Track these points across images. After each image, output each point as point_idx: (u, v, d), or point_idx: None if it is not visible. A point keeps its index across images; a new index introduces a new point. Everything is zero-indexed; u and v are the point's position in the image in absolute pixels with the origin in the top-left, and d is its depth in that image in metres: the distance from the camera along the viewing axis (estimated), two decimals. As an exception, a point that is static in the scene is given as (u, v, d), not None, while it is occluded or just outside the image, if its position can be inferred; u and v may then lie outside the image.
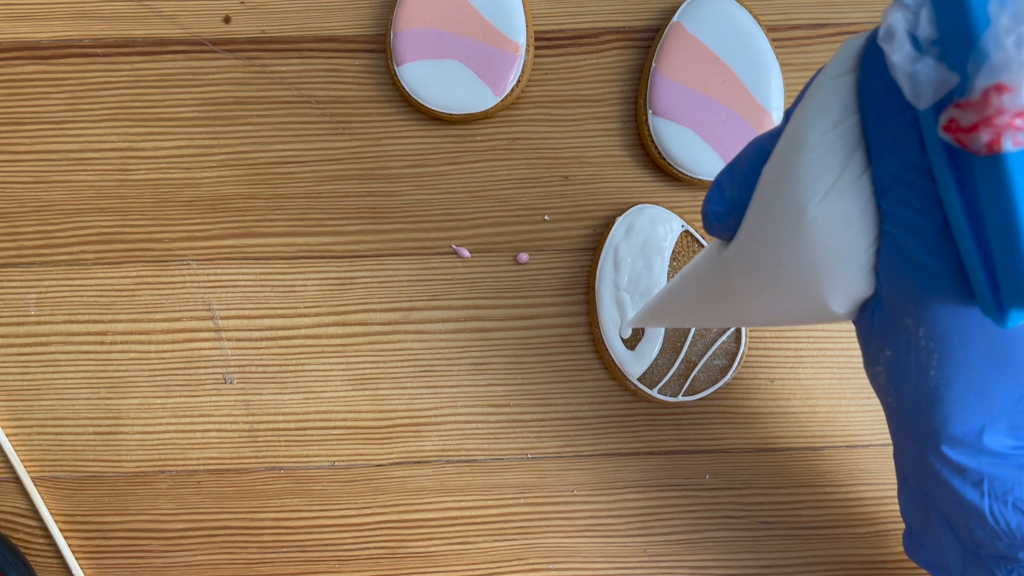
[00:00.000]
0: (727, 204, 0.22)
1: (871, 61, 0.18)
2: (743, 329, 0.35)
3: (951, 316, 0.19)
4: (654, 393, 0.35)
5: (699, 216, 0.37)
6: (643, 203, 0.36)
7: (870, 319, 0.21)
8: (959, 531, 0.22)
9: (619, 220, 0.36)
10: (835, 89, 0.19)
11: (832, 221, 0.19)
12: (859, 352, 0.37)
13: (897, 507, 0.36)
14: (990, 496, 0.21)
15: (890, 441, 0.37)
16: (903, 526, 0.36)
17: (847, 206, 0.19)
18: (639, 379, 0.35)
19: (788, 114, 0.21)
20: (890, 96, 0.18)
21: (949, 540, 0.23)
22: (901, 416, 0.21)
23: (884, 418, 0.37)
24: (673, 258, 0.35)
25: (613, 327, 0.35)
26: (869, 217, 0.19)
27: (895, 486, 0.36)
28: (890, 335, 0.20)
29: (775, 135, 0.21)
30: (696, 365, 0.35)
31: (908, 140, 0.18)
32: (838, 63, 0.19)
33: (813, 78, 0.20)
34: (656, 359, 0.35)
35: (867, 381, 0.37)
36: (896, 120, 0.18)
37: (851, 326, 0.37)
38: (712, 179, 0.36)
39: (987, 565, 0.22)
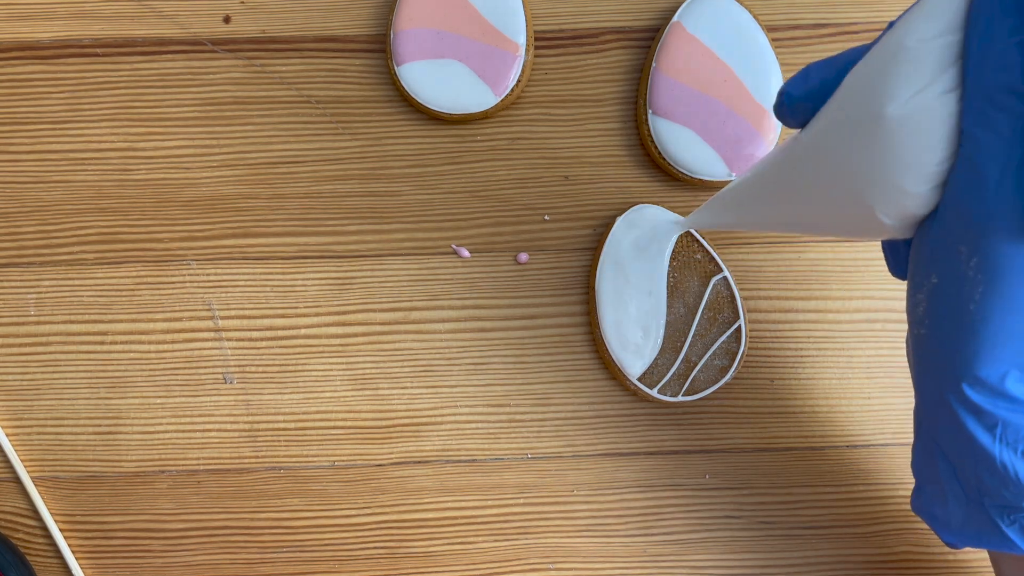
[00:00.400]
0: (807, 90, 0.22)
1: None
2: (743, 329, 0.35)
3: (1008, 252, 0.19)
4: (654, 393, 0.35)
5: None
6: (643, 203, 0.36)
7: (923, 240, 0.21)
8: (965, 478, 0.22)
9: (619, 220, 0.36)
10: (947, 1, 0.19)
11: (910, 126, 0.19)
12: (859, 352, 0.37)
13: (897, 507, 0.36)
14: (1002, 442, 0.21)
15: (890, 441, 0.37)
16: (903, 526, 0.36)
17: (928, 116, 0.19)
18: (639, 379, 0.35)
19: (891, 23, 0.21)
20: (1005, 16, 0.18)
21: (953, 489, 0.23)
22: (929, 349, 0.21)
23: (884, 418, 0.37)
24: (673, 258, 0.35)
25: (613, 327, 0.35)
26: (947, 134, 0.19)
27: (895, 486, 0.36)
28: (940, 260, 0.20)
29: (874, 43, 0.21)
30: (696, 365, 0.35)
31: (1013, 63, 0.18)
32: None
33: None
34: (656, 359, 0.35)
35: (867, 381, 0.37)
36: (1004, 41, 0.18)
37: (851, 324, 0.37)
38: (711, 178, 0.36)
39: (990, 514, 0.22)
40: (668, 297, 0.35)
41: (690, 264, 0.35)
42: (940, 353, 0.21)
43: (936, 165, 0.19)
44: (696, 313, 0.35)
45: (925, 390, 0.22)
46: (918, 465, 0.24)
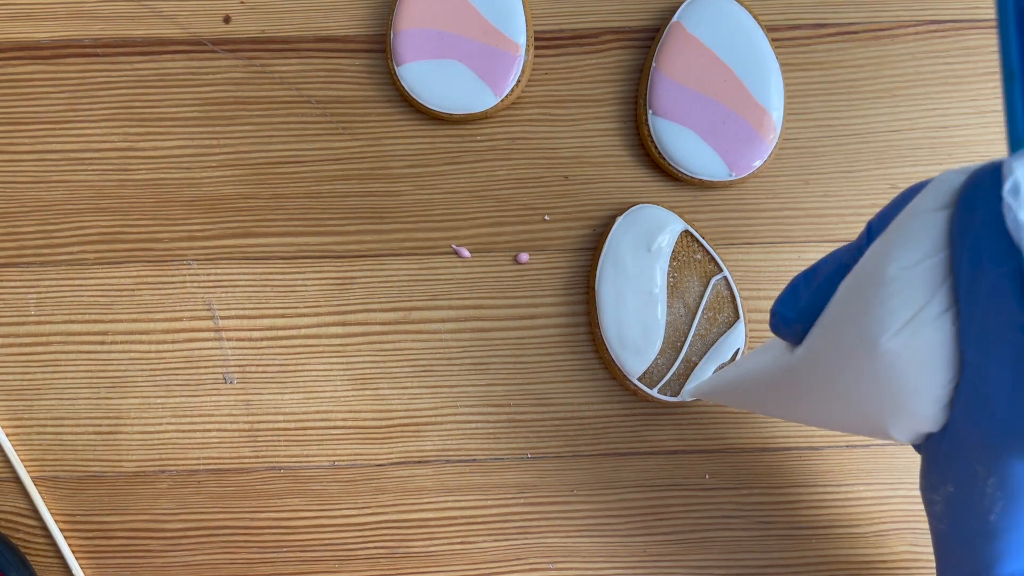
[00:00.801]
0: (798, 312, 0.22)
1: (971, 202, 0.17)
2: (743, 329, 0.35)
3: None
4: (654, 393, 0.35)
5: (699, 216, 0.37)
6: (643, 203, 0.36)
7: (936, 451, 0.20)
8: None
9: (619, 220, 0.36)
10: (926, 223, 0.18)
11: (907, 355, 0.18)
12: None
13: (897, 507, 0.36)
14: None
15: (890, 442, 0.37)
16: (903, 526, 0.37)
17: (925, 342, 0.18)
18: (639, 379, 0.35)
19: (871, 227, 0.20)
20: (990, 241, 0.17)
21: None
22: (952, 543, 0.21)
23: (884, 418, 0.37)
24: (673, 258, 0.35)
25: (613, 327, 0.35)
26: (948, 356, 0.18)
27: (895, 486, 0.36)
28: (955, 473, 0.20)
29: (857, 250, 0.20)
30: (696, 365, 0.35)
31: (1005, 290, 0.17)
32: (933, 197, 0.18)
33: (898, 202, 0.19)
34: (656, 359, 0.35)
35: (867, 381, 0.37)
36: (994, 268, 0.17)
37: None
38: (711, 178, 0.36)
39: None
40: (668, 297, 0.35)
41: (690, 264, 0.35)
42: (965, 550, 0.21)
43: (941, 387, 0.19)
44: (696, 313, 0.35)
45: (950, 569, 0.22)
46: None
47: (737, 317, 0.35)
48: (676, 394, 0.35)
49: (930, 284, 0.18)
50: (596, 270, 0.36)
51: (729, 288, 0.35)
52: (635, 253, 0.35)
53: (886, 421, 0.20)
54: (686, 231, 0.36)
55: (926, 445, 0.21)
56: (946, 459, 0.20)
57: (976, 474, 0.19)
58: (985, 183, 0.17)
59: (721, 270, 0.35)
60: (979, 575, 0.20)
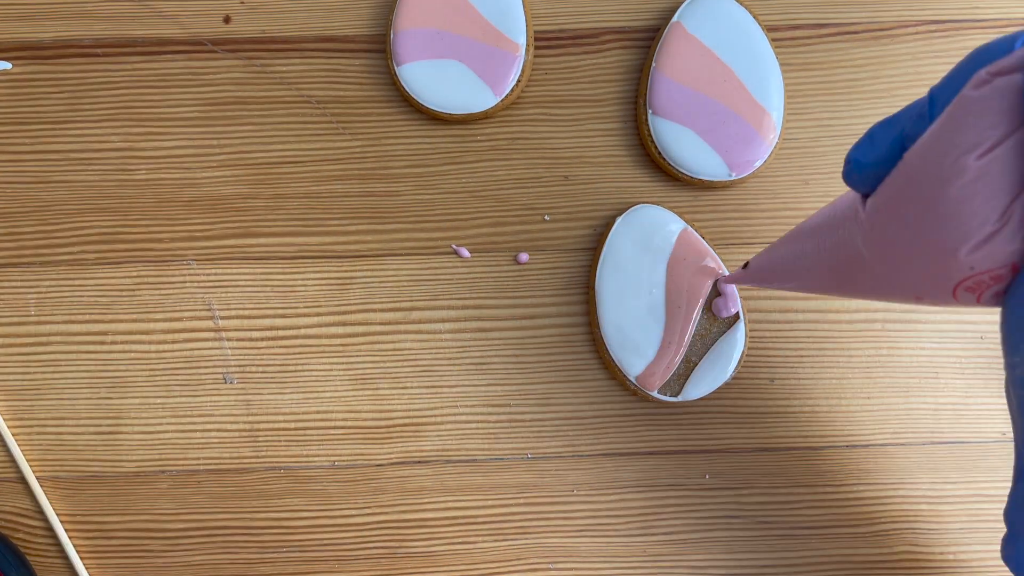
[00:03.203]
0: (876, 158, 0.21)
1: None
2: (743, 329, 0.35)
3: None
4: (654, 393, 0.35)
5: (699, 216, 0.37)
6: (643, 203, 0.36)
7: (1018, 302, 0.20)
8: None
9: (619, 220, 0.36)
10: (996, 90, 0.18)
11: (993, 176, 0.18)
12: (859, 352, 0.37)
13: (897, 507, 0.36)
14: None
15: (890, 441, 0.37)
16: (903, 526, 0.36)
17: (1011, 164, 0.18)
18: (638, 379, 0.35)
19: (932, 96, 0.20)
20: None
21: None
22: None
23: (884, 418, 0.37)
24: (673, 258, 0.35)
25: (613, 327, 0.35)
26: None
27: (895, 486, 0.36)
28: None
29: (919, 118, 0.20)
30: (696, 365, 0.35)
31: None
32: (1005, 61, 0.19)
33: (964, 66, 0.20)
34: (655, 359, 0.35)
35: (867, 381, 0.37)
36: None
37: (851, 324, 0.37)
38: (711, 178, 0.36)
39: None
40: (668, 297, 0.35)
41: (690, 264, 0.35)
42: None
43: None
44: (696, 312, 0.35)
45: None
46: (1014, 513, 0.23)
47: (737, 317, 0.35)
48: (676, 394, 0.35)
49: (1014, 105, 0.18)
50: (596, 270, 0.36)
51: (729, 288, 0.35)
52: (635, 253, 0.35)
53: (959, 249, 0.20)
54: (685, 230, 0.36)
55: (1005, 301, 0.20)
56: None
57: None
58: None
59: (721, 269, 0.35)
60: None
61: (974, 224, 0.19)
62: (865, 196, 0.23)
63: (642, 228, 0.35)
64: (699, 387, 0.35)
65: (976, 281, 0.20)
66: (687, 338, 0.35)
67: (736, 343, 0.35)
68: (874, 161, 0.22)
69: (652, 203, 0.36)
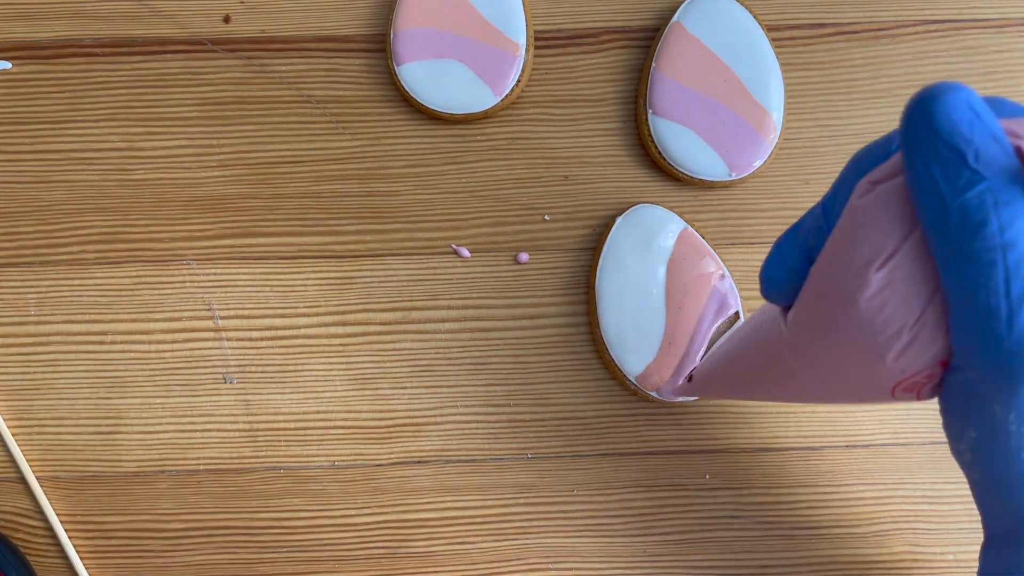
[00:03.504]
0: (786, 272, 0.22)
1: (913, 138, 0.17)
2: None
3: None
4: (654, 393, 0.35)
5: (699, 216, 0.37)
6: (643, 203, 0.36)
7: (948, 396, 0.20)
8: None
9: (619, 220, 0.36)
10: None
11: (898, 284, 0.18)
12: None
13: (897, 507, 0.36)
14: None
15: (890, 441, 0.37)
16: (903, 526, 0.36)
17: (913, 269, 0.18)
18: (639, 379, 0.35)
19: (825, 206, 0.20)
20: (943, 166, 0.17)
21: None
22: (989, 492, 0.20)
23: (884, 418, 0.37)
24: (673, 258, 0.35)
25: (613, 327, 0.35)
26: (928, 287, 0.18)
27: (895, 486, 0.36)
28: (974, 417, 0.19)
29: (817, 230, 0.21)
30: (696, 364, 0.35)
31: (983, 208, 0.17)
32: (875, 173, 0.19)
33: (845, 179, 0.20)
34: (655, 359, 0.35)
35: (867, 381, 0.37)
36: (954, 196, 0.17)
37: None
38: (711, 178, 0.36)
39: None
40: (668, 297, 0.35)
41: (690, 264, 0.35)
42: (1000, 497, 0.20)
43: (935, 310, 0.18)
44: (696, 312, 0.35)
45: (995, 518, 0.21)
46: (991, 569, 0.23)
47: (737, 317, 0.35)
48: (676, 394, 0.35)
49: (904, 214, 0.18)
50: (596, 270, 0.36)
51: (729, 287, 0.35)
52: (635, 253, 0.35)
53: (885, 356, 0.19)
54: (685, 230, 0.36)
55: (940, 394, 0.20)
56: (960, 402, 0.19)
57: (995, 414, 0.19)
58: (919, 119, 0.17)
59: (721, 269, 0.35)
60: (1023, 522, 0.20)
61: (891, 333, 0.19)
62: (786, 310, 0.22)
63: (642, 228, 0.35)
64: None
65: (911, 383, 0.20)
66: (688, 338, 0.35)
67: None
68: (784, 278, 0.22)
69: (652, 203, 0.36)
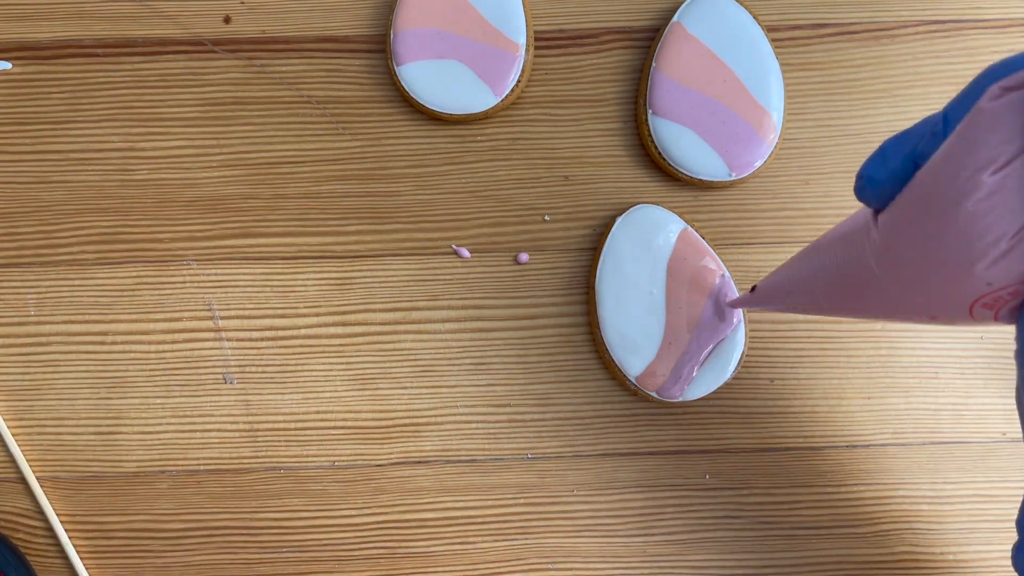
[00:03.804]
0: (889, 173, 0.21)
1: None
2: (743, 328, 0.35)
3: None
4: (654, 393, 0.35)
5: (699, 216, 0.37)
6: (643, 203, 0.36)
7: None
8: None
9: (619, 220, 0.36)
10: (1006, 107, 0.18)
11: (1008, 191, 0.18)
12: (859, 352, 0.37)
13: (897, 507, 0.36)
14: None
15: (890, 441, 0.37)
16: (903, 526, 0.36)
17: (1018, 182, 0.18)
18: (639, 379, 0.35)
19: (946, 115, 0.20)
20: None
21: None
22: None
23: (884, 418, 0.37)
24: (673, 258, 0.35)
25: (613, 328, 0.35)
26: None
27: (895, 486, 0.36)
28: None
29: (932, 135, 0.20)
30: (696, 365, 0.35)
31: None
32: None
33: (975, 85, 0.20)
34: (655, 359, 0.35)
35: (867, 381, 0.37)
36: None
37: (851, 324, 0.37)
38: (711, 178, 0.36)
39: None
40: (668, 297, 0.35)
41: (691, 264, 0.35)
42: None
43: None
44: (696, 312, 0.35)
45: None
46: None
47: (739, 323, 0.35)
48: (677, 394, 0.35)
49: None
50: (596, 270, 0.36)
51: (729, 287, 0.35)
52: (635, 253, 0.35)
53: (976, 265, 0.19)
54: (685, 230, 0.36)
55: (1019, 317, 0.20)
56: None
57: None
58: None
59: (721, 269, 0.35)
60: None
61: (990, 240, 0.19)
62: (877, 212, 0.22)
63: (642, 228, 0.35)
64: (699, 387, 0.35)
65: (994, 297, 0.20)
66: (687, 338, 0.35)
67: (736, 344, 0.35)
68: (887, 177, 0.21)
69: (652, 203, 0.36)
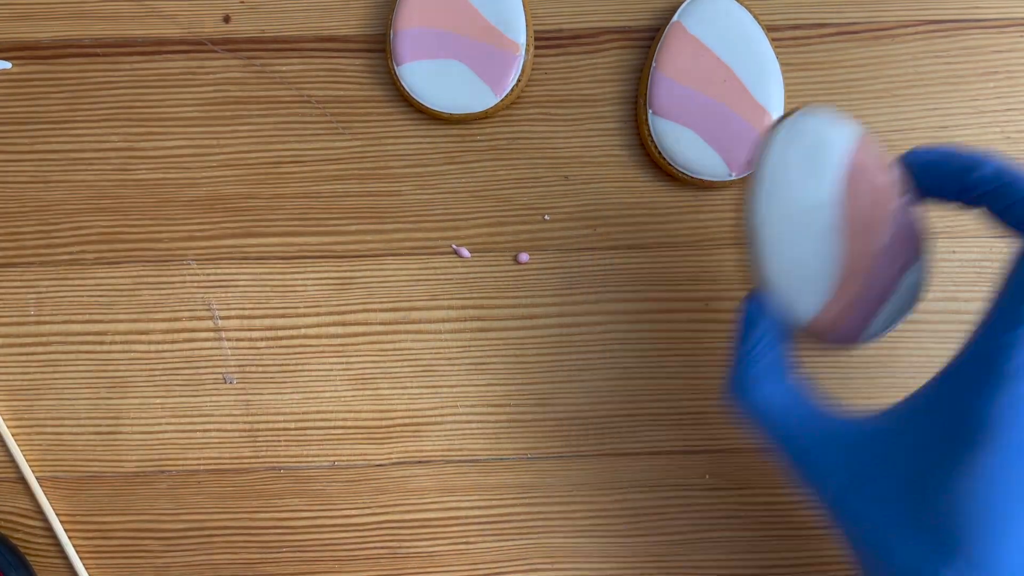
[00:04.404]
0: None
1: None
2: (919, 288, 0.30)
3: None
4: (831, 337, 0.30)
5: (699, 216, 0.37)
6: (808, 107, 0.29)
7: None
8: None
9: (780, 132, 0.28)
10: None
11: None
12: (860, 352, 0.37)
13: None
14: None
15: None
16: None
17: None
18: (812, 324, 0.29)
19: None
20: None
21: None
22: None
23: (884, 418, 0.37)
24: (853, 169, 0.28)
25: (777, 264, 0.29)
26: None
27: (895, 486, 0.36)
28: None
29: None
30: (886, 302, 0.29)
31: None
32: None
33: None
34: (833, 298, 0.29)
35: (867, 381, 0.37)
36: None
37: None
38: (711, 178, 0.36)
39: None
40: (848, 216, 0.28)
41: (872, 175, 0.28)
42: None
43: None
44: (879, 240, 0.28)
45: None
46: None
47: (924, 247, 0.29)
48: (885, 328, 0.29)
49: None
50: (755, 202, 0.28)
51: (912, 212, 0.29)
52: (802, 174, 0.28)
53: None
54: (864, 135, 0.29)
55: None
56: None
57: None
58: None
59: (904, 188, 0.29)
60: None
61: None
62: None
63: (809, 139, 0.28)
64: (884, 320, 0.29)
65: None
66: (867, 270, 0.29)
67: (918, 278, 0.29)
68: None
69: (652, 203, 0.36)
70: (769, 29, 0.37)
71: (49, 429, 0.36)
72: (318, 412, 0.36)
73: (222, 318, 0.37)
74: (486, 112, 0.36)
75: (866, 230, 0.28)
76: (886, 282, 0.29)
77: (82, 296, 0.37)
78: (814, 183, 0.28)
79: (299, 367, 0.37)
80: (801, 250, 0.28)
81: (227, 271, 0.37)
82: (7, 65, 0.37)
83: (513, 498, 0.36)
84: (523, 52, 0.36)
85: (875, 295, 0.29)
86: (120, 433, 0.36)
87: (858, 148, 0.28)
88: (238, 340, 0.37)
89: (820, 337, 0.30)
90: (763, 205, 0.29)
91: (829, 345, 0.30)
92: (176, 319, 0.37)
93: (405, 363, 0.37)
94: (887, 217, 0.28)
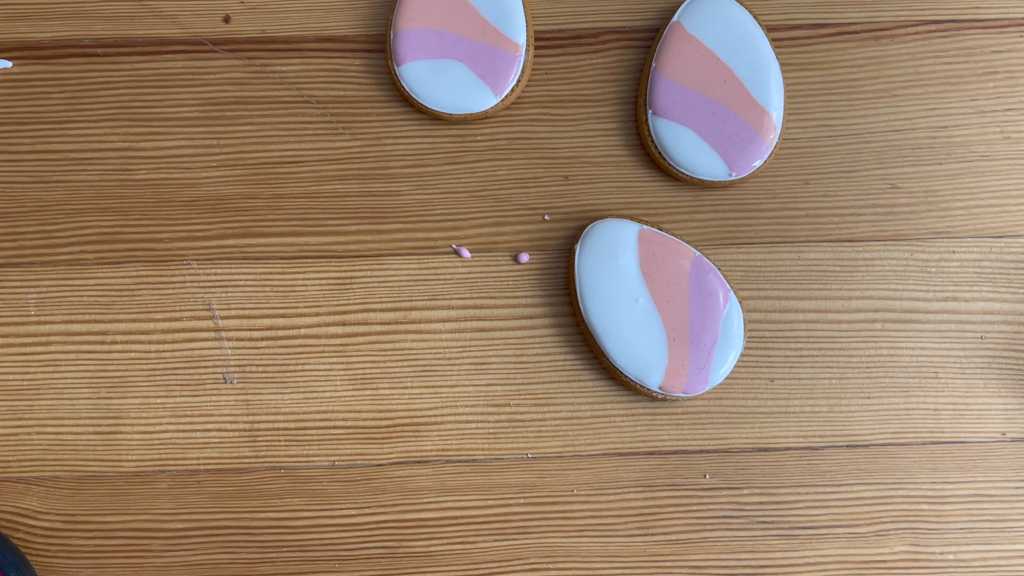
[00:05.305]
0: None
1: None
2: (736, 300, 0.35)
3: None
4: (681, 394, 0.35)
5: (699, 216, 0.37)
6: (602, 220, 0.36)
7: None
8: None
9: (577, 248, 0.35)
10: None
11: None
12: (859, 352, 0.37)
13: (897, 507, 0.36)
14: None
15: (890, 441, 0.37)
16: (903, 526, 0.36)
17: None
18: (663, 387, 0.35)
19: None
20: None
21: None
22: None
23: (884, 418, 0.37)
24: (642, 259, 0.35)
25: (618, 351, 0.35)
26: None
27: (895, 486, 0.36)
28: None
29: None
30: (712, 349, 0.35)
31: None
32: None
33: None
34: (670, 359, 0.35)
35: (867, 381, 0.37)
36: None
37: (851, 324, 0.37)
38: (711, 178, 0.36)
39: None
40: (654, 297, 0.35)
41: (661, 257, 0.35)
42: None
43: None
44: (687, 304, 0.35)
45: None
46: None
47: (728, 296, 0.35)
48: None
49: None
50: (576, 302, 0.35)
51: (709, 268, 0.35)
52: (606, 269, 0.35)
53: None
54: (643, 230, 0.35)
55: None
56: None
57: None
58: None
59: (693, 253, 0.35)
60: None
61: None
62: None
63: (601, 244, 0.35)
64: (720, 369, 0.35)
65: None
66: (688, 326, 0.35)
67: (735, 315, 0.35)
68: None
69: (652, 203, 0.36)
70: (769, 29, 0.37)
71: (49, 429, 0.36)
72: (318, 412, 0.36)
73: (222, 318, 0.37)
74: (486, 112, 0.36)
75: (674, 301, 0.35)
76: (709, 331, 0.35)
77: (82, 296, 0.37)
78: (619, 280, 0.35)
79: (299, 367, 0.37)
80: (630, 336, 0.35)
81: (227, 271, 0.37)
82: (7, 64, 0.37)
83: (512, 498, 0.36)
84: (523, 52, 0.36)
85: (704, 345, 0.34)
86: (120, 433, 0.36)
87: (641, 241, 0.35)
88: (238, 340, 0.37)
89: (678, 392, 0.35)
90: (590, 311, 0.35)
91: (686, 396, 0.35)
92: (176, 319, 0.37)
93: (405, 363, 0.37)
94: (687, 283, 0.35)
